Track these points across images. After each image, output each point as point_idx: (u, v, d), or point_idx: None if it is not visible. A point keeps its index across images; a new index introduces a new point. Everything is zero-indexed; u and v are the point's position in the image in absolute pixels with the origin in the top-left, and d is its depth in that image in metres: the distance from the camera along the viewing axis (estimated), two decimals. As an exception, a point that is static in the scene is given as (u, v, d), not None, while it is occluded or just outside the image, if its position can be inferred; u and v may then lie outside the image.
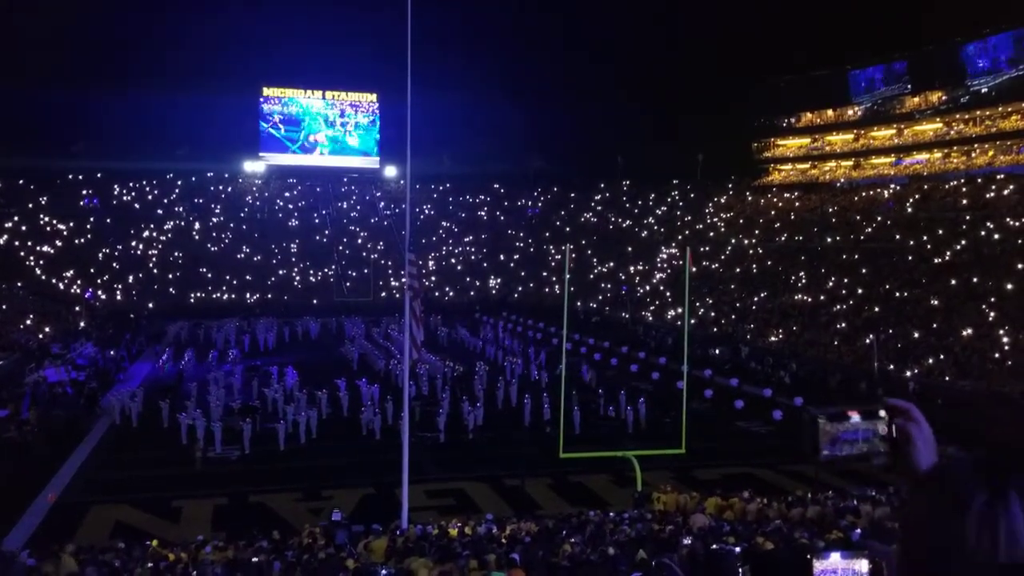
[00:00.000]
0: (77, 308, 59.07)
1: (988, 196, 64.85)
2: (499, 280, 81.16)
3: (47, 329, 50.17)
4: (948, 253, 55.90)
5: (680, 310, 54.31)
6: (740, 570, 5.99)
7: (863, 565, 2.70)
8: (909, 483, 2.00)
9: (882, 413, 2.07)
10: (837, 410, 2.12)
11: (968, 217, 61.22)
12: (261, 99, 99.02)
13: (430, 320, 59.14)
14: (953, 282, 50.56)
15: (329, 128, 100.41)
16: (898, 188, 76.29)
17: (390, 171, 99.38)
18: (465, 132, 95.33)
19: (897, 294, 52.10)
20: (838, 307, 53.46)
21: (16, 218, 72.56)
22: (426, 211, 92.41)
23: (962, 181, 70.93)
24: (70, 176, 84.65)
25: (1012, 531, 1.52)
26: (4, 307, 51.52)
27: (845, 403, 2.13)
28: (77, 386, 38.78)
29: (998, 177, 67.56)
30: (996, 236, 55.73)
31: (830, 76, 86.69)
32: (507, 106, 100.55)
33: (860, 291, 54.63)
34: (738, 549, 9.66)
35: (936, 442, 2.04)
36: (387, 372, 42.74)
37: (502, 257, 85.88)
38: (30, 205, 76.54)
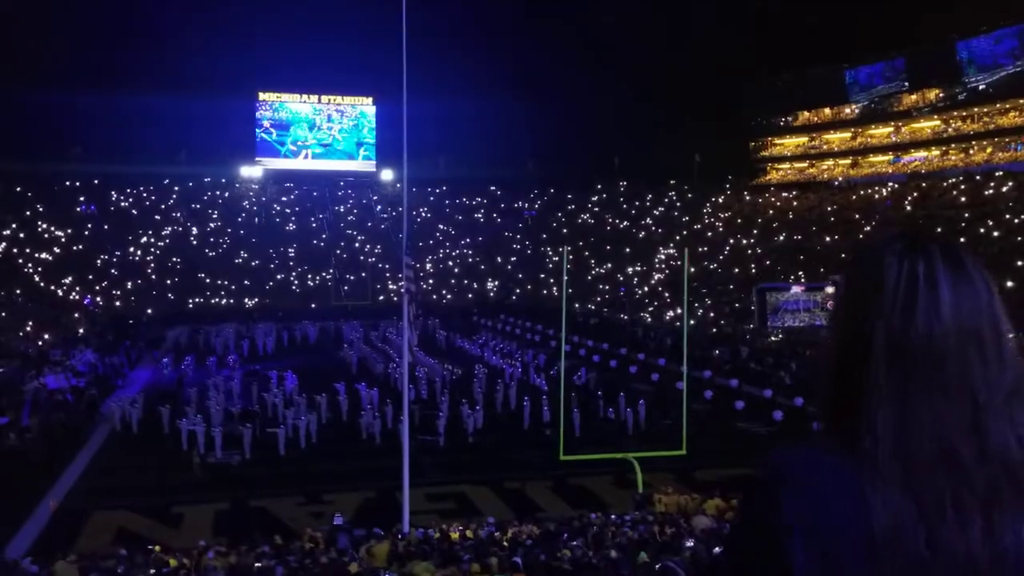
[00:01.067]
0: (76, 315, 59.02)
1: (987, 193, 64.96)
2: (497, 282, 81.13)
3: (46, 336, 50.10)
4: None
5: (679, 311, 54.27)
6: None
7: None
8: None
9: (828, 288, 2.01)
10: (782, 284, 2.07)
11: (967, 215, 61.26)
12: (256, 104, 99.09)
13: (428, 323, 59.11)
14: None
15: (316, 132, 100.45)
16: (896, 186, 76.40)
17: (386, 174, 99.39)
18: (461, 134, 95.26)
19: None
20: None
21: (14, 225, 72.48)
22: (423, 214, 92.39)
23: (960, 178, 71.03)
24: (67, 182, 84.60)
25: (935, 299, 1.46)
26: (3, 314, 51.49)
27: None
28: (77, 393, 38.74)
29: (996, 174, 67.67)
30: (995, 233, 55.80)
31: (827, 74, 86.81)
32: (503, 108, 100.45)
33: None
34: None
35: None
36: (386, 376, 42.73)
37: (499, 259, 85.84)
38: (28, 212, 76.45)
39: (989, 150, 72.65)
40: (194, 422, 32.00)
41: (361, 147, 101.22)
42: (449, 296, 76.96)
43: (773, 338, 51.38)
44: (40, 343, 48.39)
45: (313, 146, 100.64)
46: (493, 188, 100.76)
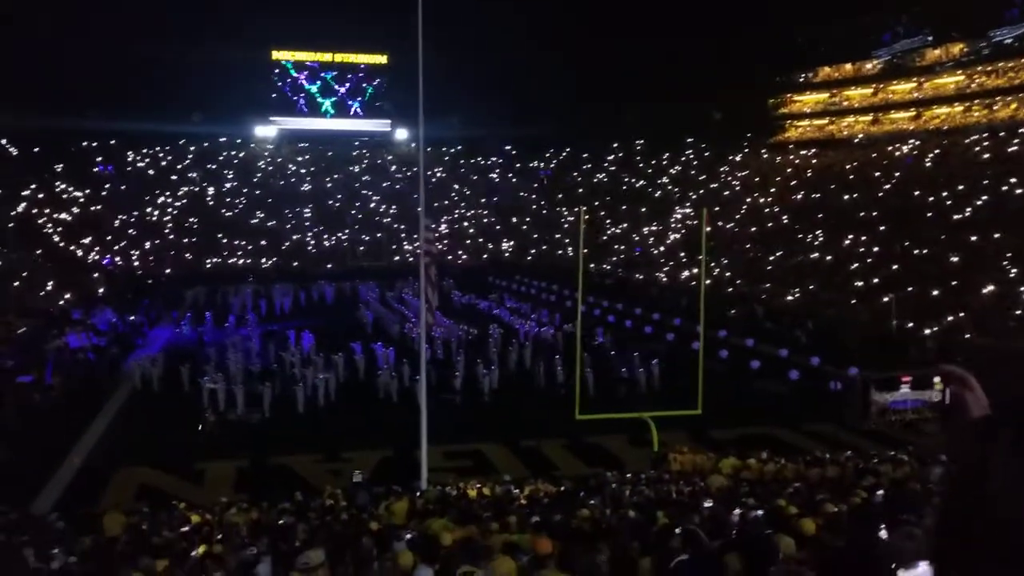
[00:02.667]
0: (96, 274, 59.41)
1: (1010, 150, 64.08)
2: (512, 243, 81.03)
3: (67, 296, 50.52)
4: (968, 209, 55.37)
5: (695, 270, 54.14)
6: (772, 539, 5.99)
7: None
8: (958, 448, 1.96)
9: (936, 380, 2.03)
10: (889, 376, 2.08)
11: (989, 172, 60.55)
12: (271, 63, 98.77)
13: (443, 284, 59.20)
14: (973, 238, 50.10)
15: (334, 91, 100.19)
16: (918, 143, 75.53)
17: (401, 134, 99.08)
18: (476, 94, 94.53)
19: (916, 251, 51.71)
20: (855, 265, 53.17)
21: (33, 186, 72.75)
22: (438, 174, 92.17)
23: (984, 135, 70.14)
24: (84, 143, 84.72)
25: None
26: (24, 274, 51.86)
27: (898, 368, 2.09)
28: (99, 351, 39.16)
29: (1020, 131, 66.75)
30: (1018, 191, 55.17)
31: (848, 29, 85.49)
32: (518, 66, 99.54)
33: (878, 249, 54.28)
34: (760, 512, 9.71)
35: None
36: (402, 335, 42.97)
37: (515, 220, 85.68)
38: (46, 173, 76.69)
39: (1014, 106, 71.58)
40: (215, 380, 32.28)
41: (375, 106, 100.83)
42: (464, 257, 76.94)
43: (789, 297, 51.29)
44: (61, 303, 48.80)
45: (330, 108, 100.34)
46: (508, 148, 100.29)
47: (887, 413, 2.10)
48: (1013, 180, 56.81)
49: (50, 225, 67.97)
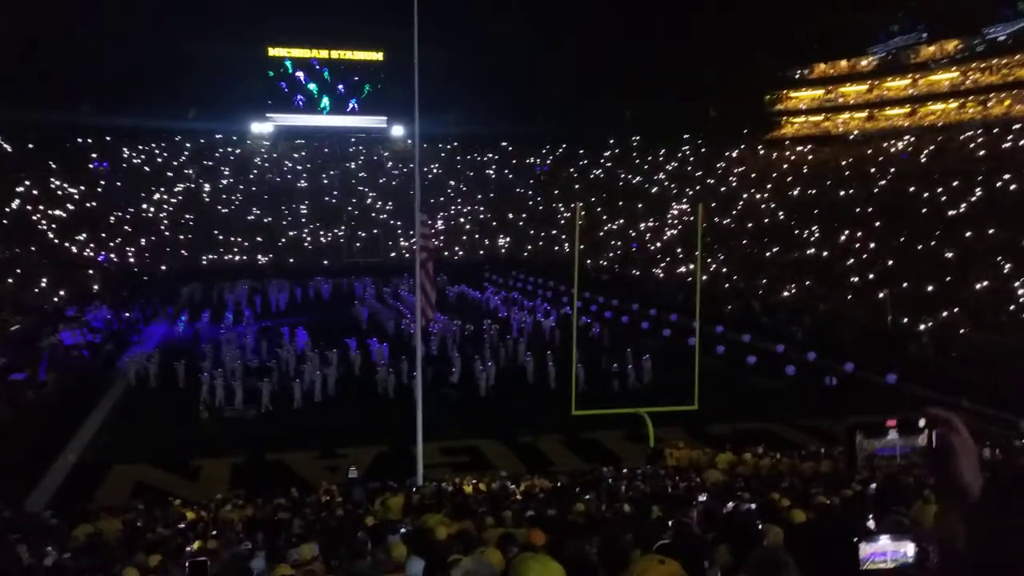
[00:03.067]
0: (91, 271, 59.31)
1: (1004, 146, 64.21)
2: (508, 239, 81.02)
3: (61, 292, 50.41)
4: (963, 205, 55.47)
5: (692, 266, 54.16)
6: (760, 528, 6.02)
7: (909, 548, 2.67)
8: (953, 498, 1.96)
9: (921, 423, 2.02)
10: (875, 422, 2.07)
11: (984, 168, 60.64)
12: (267, 59, 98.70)
13: (439, 279, 59.18)
14: (968, 234, 50.21)
15: (330, 88, 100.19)
16: (913, 139, 75.62)
17: (397, 130, 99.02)
18: (472, 89, 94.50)
19: (911, 247, 51.79)
20: (851, 261, 53.23)
21: (27, 182, 72.58)
22: (434, 170, 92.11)
23: (978, 131, 70.25)
24: (79, 139, 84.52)
25: None
26: (18, 271, 51.73)
27: (897, 410, 2.09)
28: (93, 348, 39.09)
29: (1015, 127, 66.87)
30: (1012, 187, 55.28)
31: (844, 26, 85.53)
32: (515, 62, 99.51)
33: (874, 244, 54.35)
34: (754, 506, 9.72)
35: (977, 452, 2.00)
36: (398, 331, 43.00)
37: (511, 215, 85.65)
38: (41, 170, 76.50)
39: (1008, 102, 71.72)
40: (210, 376, 32.27)
41: (371, 102, 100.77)
42: (461, 252, 76.90)
43: (786, 293, 51.33)
44: (55, 300, 48.70)
45: (326, 105, 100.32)
46: (504, 144, 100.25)
47: (875, 460, 2.09)
48: (1007, 176, 56.92)
49: (45, 221, 67.80)
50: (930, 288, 44.64)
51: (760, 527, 6.03)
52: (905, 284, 45.63)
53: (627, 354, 35.66)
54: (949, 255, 48.59)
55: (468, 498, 17.37)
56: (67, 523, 17.36)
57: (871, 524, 3.97)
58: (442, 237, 76.45)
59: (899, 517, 3.38)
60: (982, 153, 64.89)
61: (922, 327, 39.78)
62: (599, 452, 25.84)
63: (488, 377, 33.68)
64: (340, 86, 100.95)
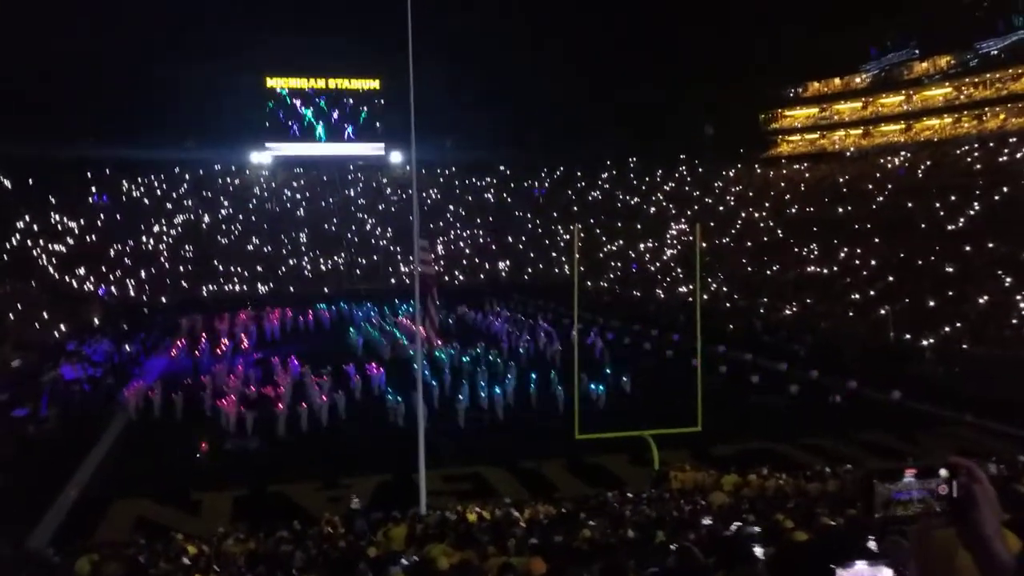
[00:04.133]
0: (91, 305, 59.30)
1: (1000, 160, 64.37)
2: (508, 262, 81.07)
3: (62, 327, 50.38)
4: (961, 219, 55.53)
5: (692, 286, 54.15)
6: (758, 552, 5.95)
7: (886, 574, 2.64)
8: (974, 548, 1.94)
9: (942, 471, 1.99)
10: (893, 468, 2.03)
11: (981, 182, 60.76)
12: (265, 89, 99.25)
13: (438, 304, 59.04)
14: (967, 248, 50.22)
15: (328, 116, 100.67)
16: (909, 155, 75.81)
17: (395, 157, 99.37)
18: (469, 114, 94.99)
19: (911, 263, 51.79)
20: (851, 277, 53.22)
21: (27, 217, 72.77)
22: (433, 195, 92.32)
23: (974, 145, 70.45)
24: (78, 173, 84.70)
25: None
26: (19, 306, 51.73)
27: (903, 426, 2.07)
28: (94, 383, 39.00)
29: (1010, 140, 67.07)
30: (1009, 200, 55.36)
31: (837, 44, 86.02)
32: (511, 86, 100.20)
33: (873, 261, 54.35)
34: (758, 529, 9.63)
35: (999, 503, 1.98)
36: (394, 358, 42.99)
37: (510, 239, 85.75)
38: (40, 204, 76.67)
39: (1002, 116, 71.98)
40: (212, 408, 32.16)
41: (369, 130, 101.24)
42: (461, 277, 76.90)
43: (787, 311, 51.26)
44: (56, 334, 48.65)
45: (322, 134, 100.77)
46: (502, 167, 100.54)
47: (891, 505, 2.04)
48: (1005, 189, 57.01)
49: (45, 256, 67.90)
50: (931, 303, 44.60)
51: (758, 551, 5.97)
52: (906, 300, 45.61)
53: (631, 376, 35.56)
54: (949, 270, 48.58)
55: (471, 527, 17.23)
56: (70, 560, 17.26)
57: (872, 546, 3.95)
58: (442, 262, 76.46)
59: (900, 539, 3.35)
60: (979, 167, 65.02)
61: (924, 343, 39.71)
62: (604, 476, 25.69)
63: (490, 402, 33.50)
64: (337, 114, 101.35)
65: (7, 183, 78.19)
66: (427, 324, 22.51)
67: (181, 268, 74.28)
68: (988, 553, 1.90)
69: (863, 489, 2.05)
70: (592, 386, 33.74)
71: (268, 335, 53.86)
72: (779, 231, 69.15)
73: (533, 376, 36.33)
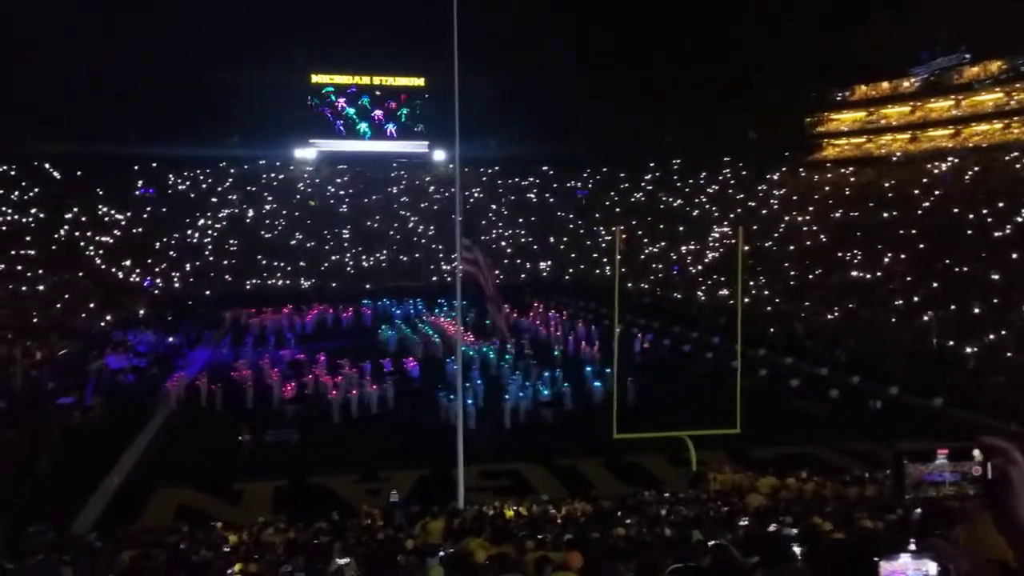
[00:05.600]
0: (137, 296, 60.23)
1: (1050, 167, 63.29)
2: (550, 263, 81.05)
3: (108, 317, 51.21)
4: (1008, 226, 54.62)
5: (733, 289, 53.83)
6: (796, 551, 5.96)
7: (931, 567, 2.63)
8: (1008, 533, 1.87)
9: (976, 453, 1.94)
10: (925, 448, 1.99)
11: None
12: (310, 86, 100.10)
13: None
14: (1014, 256, 49.41)
15: (373, 113, 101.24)
16: (956, 161, 74.70)
17: (439, 155, 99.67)
18: (513, 114, 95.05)
19: (956, 269, 51.06)
20: (895, 283, 52.58)
21: (75, 209, 74.06)
22: (475, 195, 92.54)
23: (1023, 152, 69.26)
24: (125, 166, 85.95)
25: None
26: (67, 296, 52.69)
27: (942, 434, 2.02)
28: (139, 373, 39.63)
29: (1061, 147, 65.91)
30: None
31: (885, 47, 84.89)
32: (556, 86, 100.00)
33: (918, 267, 53.65)
34: (795, 530, 9.61)
35: None
36: (428, 356, 43.28)
37: (552, 239, 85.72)
38: (88, 197, 77.99)
39: (1054, 122, 70.74)
40: (252, 401, 32.56)
41: (413, 127, 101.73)
42: (502, 276, 77.00)
43: (829, 316, 50.76)
44: (102, 324, 49.47)
45: (369, 130, 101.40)
46: (545, 168, 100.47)
47: (923, 487, 2.00)
48: (1055, 196, 56.05)
49: (92, 247, 69.05)
50: (976, 310, 43.96)
51: (797, 551, 5.98)
52: (951, 307, 44.99)
53: (672, 377, 35.48)
54: (995, 277, 47.83)
55: (509, 522, 17.32)
56: (112, 546, 17.60)
57: (912, 547, 3.93)
58: (488, 260, 76.38)
59: (940, 541, 3.35)
60: (1028, 174, 63.95)
61: (968, 350, 39.14)
62: (641, 476, 25.67)
63: (530, 401, 33.57)
64: (380, 111, 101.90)
65: (56, 175, 79.63)
66: (499, 320, 22.37)
67: (225, 262, 75.16)
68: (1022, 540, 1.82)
69: (894, 469, 2.02)
70: (631, 386, 33.68)
71: (310, 329, 54.35)
72: (823, 235, 68.45)
73: (569, 376, 36.36)
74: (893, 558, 2.71)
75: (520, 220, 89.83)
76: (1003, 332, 40.35)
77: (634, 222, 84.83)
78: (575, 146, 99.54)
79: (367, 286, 71.58)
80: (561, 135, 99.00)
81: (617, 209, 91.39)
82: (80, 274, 60.32)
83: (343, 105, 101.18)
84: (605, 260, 78.16)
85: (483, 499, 22.04)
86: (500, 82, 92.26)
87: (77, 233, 70.51)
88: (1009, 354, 38.02)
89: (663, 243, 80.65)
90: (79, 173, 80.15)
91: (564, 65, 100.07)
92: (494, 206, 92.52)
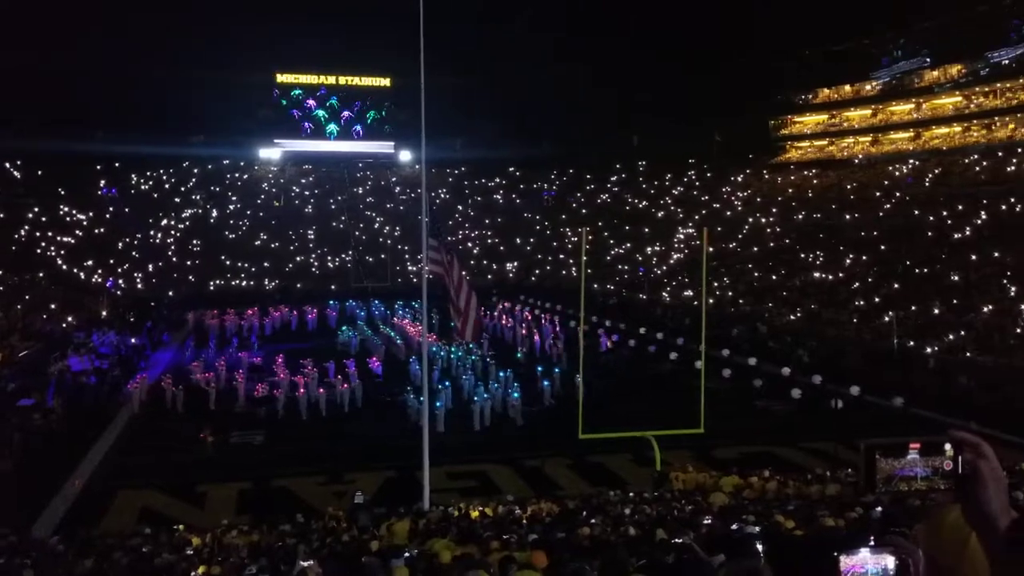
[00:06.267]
0: (99, 297, 59.50)
1: (1009, 169, 64.33)
2: (516, 264, 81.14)
3: (69, 318, 50.57)
4: (968, 228, 55.49)
5: (698, 290, 54.16)
6: (759, 549, 6.06)
7: (890, 561, 2.67)
8: (979, 527, 1.89)
9: (947, 447, 1.94)
10: (896, 442, 2.00)
11: (988, 191, 60.74)
12: (275, 85, 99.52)
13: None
14: (973, 257, 50.22)
15: (339, 114, 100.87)
16: (917, 163, 75.75)
17: (405, 156, 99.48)
18: (480, 115, 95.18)
19: (916, 271, 51.79)
20: (857, 285, 53.22)
21: (36, 209, 73.09)
22: (442, 195, 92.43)
23: (983, 155, 70.39)
24: (87, 166, 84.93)
25: None
26: (27, 297, 51.96)
27: (903, 432, 2.03)
28: (100, 374, 39.16)
29: (1019, 150, 67.00)
30: (1017, 210, 55.34)
31: (847, 51, 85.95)
32: (521, 87, 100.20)
33: (879, 268, 54.35)
34: (757, 529, 9.73)
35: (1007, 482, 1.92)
36: (388, 357, 43.17)
37: (518, 240, 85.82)
38: (49, 196, 76.99)
39: (1012, 126, 71.87)
40: (215, 403, 32.31)
41: (379, 128, 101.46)
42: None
43: (791, 317, 51.28)
44: (63, 325, 48.84)
45: (334, 131, 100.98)
46: (512, 169, 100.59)
47: (894, 481, 2.03)
48: (1012, 199, 56.99)
49: (53, 247, 68.16)
50: (936, 311, 44.62)
51: (760, 549, 6.07)
52: (911, 307, 45.62)
53: (636, 378, 35.66)
54: (955, 278, 48.58)
55: (474, 523, 17.35)
56: (74, 549, 17.41)
57: (872, 544, 4.00)
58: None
59: (899, 538, 3.41)
60: (986, 177, 64.98)
61: (928, 350, 39.71)
62: (606, 476, 25.79)
63: (496, 402, 33.55)
64: (347, 112, 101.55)
65: (16, 174, 78.52)
66: (467, 319, 22.24)
67: (188, 263, 74.50)
68: (993, 532, 1.84)
69: (865, 464, 2.04)
70: (596, 387, 33.80)
71: (273, 331, 54.06)
72: (786, 237, 69.13)
73: (534, 377, 36.45)
74: (853, 553, 2.75)
75: (487, 221, 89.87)
76: (963, 332, 40.99)
77: (600, 223, 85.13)
78: (541, 147, 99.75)
79: (332, 287, 71.23)
80: (528, 137, 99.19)
81: (583, 210, 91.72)
82: (41, 275, 59.52)
83: (313, 105, 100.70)
84: (571, 261, 78.36)
85: (449, 500, 22.04)
86: (467, 83, 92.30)
87: (38, 233, 69.53)
88: (969, 354, 38.62)
89: (628, 244, 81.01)
90: (39, 172, 79.07)
91: (531, 67, 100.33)
92: (460, 207, 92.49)
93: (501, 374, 36.63)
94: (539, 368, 37.69)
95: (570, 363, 39.12)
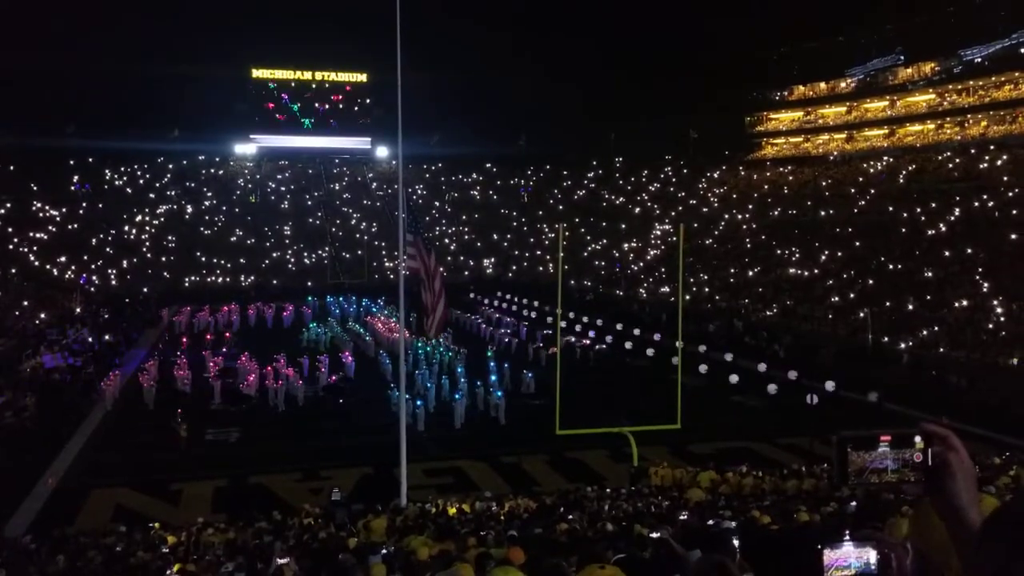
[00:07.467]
0: (72, 294, 58.96)
1: (981, 167, 64.92)
2: (493, 260, 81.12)
3: (42, 315, 50.09)
4: (942, 224, 55.99)
5: (674, 286, 54.33)
6: (735, 544, 6.07)
7: (871, 555, 2.68)
8: (948, 519, 1.90)
9: (917, 440, 1.96)
10: (867, 435, 2.01)
11: (961, 188, 61.28)
12: (251, 80, 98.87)
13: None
14: (947, 253, 50.67)
15: (314, 109, 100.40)
16: (891, 160, 76.30)
17: (381, 152, 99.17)
18: (457, 111, 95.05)
19: (891, 266, 52.20)
20: (832, 281, 53.58)
21: (8, 204, 72.31)
22: (418, 191, 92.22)
23: (956, 152, 70.99)
24: (60, 161, 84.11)
25: None
26: (0, 293, 51.47)
27: (878, 427, 2.04)
28: (74, 371, 38.80)
29: (991, 147, 67.62)
30: (990, 206, 55.86)
31: (822, 48, 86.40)
32: (498, 84, 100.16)
33: (854, 264, 54.74)
34: (734, 524, 9.77)
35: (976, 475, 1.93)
36: (359, 354, 43.10)
37: (495, 236, 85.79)
38: (21, 192, 76.20)
39: (984, 123, 72.55)
40: (190, 400, 32.12)
41: (354, 123, 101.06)
42: (445, 274, 76.66)
43: (767, 312, 51.58)
44: (36, 322, 48.37)
45: (310, 126, 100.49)
46: (489, 165, 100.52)
47: (866, 474, 2.04)
48: (985, 196, 57.52)
49: (26, 244, 67.46)
50: (910, 307, 44.99)
51: (737, 544, 6.09)
52: (886, 303, 45.98)
53: (613, 373, 35.74)
54: (928, 274, 49.01)
55: (451, 519, 17.34)
56: (48, 547, 17.25)
57: (847, 538, 4.01)
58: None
59: (873, 532, 3.42)
60: (959, 173, 65.56)
61: (902, 345, 40.05)
62: (583, 472, 25.84)
63: (474, 398, 33.54)
64: (323, 106, 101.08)
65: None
66: (435, 315, 22.24)
67: (163, 259, 73.93)
68: (962, 524, 1.85)
69: (837, 455, 2.06)
70: (573, 383, 33.83)
71: (248, 326, 53.83)
72: (762, 233, 69.49)
73: (512, 373, 36.48)
74: (837, 546, 2.76)
75: (464, 217, 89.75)
76: (936, 328, 41.36)
77: (577, 219, 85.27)
78: (518, 144, 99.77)
79: (309, 283, 70.91)
80: (505, 132, 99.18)
81: (560, 207, 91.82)
82: (13, 271, 58.92)
83: (287, 99, 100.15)
84: (548, 257, 78.46)
85: (426, 496, 22.01)
86: (444, 79, 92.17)
87: (10, 229, 68.80)
88: (942, 349, 38.99)
89: (605, 240, 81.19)
90: (12, 168, 78.20)
91: (508, 64, 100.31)
92: (437, 203, 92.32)
93: (494, 377, 36.54)
94: (507, 364, 37.83)
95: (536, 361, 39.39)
